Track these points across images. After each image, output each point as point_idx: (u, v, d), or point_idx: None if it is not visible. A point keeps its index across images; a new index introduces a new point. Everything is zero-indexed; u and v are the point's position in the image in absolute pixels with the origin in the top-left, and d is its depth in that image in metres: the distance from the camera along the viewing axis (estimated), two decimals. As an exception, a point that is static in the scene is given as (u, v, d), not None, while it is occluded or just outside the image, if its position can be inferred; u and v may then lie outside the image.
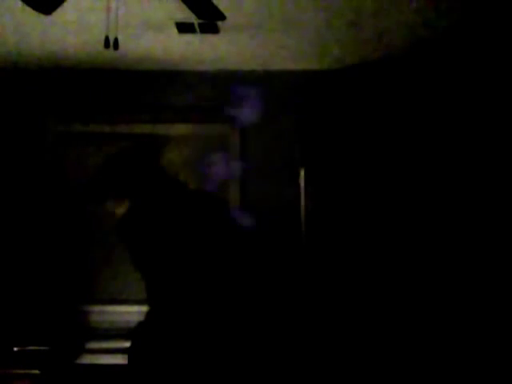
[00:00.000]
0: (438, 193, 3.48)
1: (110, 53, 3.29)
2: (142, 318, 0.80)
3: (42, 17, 2.79)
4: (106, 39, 2.31)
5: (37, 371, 3.01)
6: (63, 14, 2.82)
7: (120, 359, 3.02)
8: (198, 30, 3.10)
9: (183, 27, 3.07)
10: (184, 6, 2.45)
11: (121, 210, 0.98)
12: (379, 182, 3.45)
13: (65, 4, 2.37)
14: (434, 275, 3.34)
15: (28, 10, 2.47)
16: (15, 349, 3.20)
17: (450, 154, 3.52)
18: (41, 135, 3.73)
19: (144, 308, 0.82)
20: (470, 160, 3.50)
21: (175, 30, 3.12)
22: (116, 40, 2.36)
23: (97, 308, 3.60)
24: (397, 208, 3.43)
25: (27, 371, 3.00)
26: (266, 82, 3.73)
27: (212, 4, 2.31)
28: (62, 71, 3.76)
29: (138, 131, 3.75)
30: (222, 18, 2.43)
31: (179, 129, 3.75)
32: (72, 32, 3.14)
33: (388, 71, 3.61)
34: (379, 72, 3.62)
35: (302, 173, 3.33)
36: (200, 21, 2.93)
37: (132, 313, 3.38)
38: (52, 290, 3.57)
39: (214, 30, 3.11)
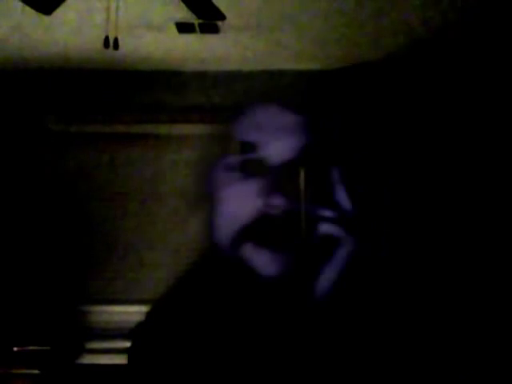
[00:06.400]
0: (439, 192, 3.48)
1: (110, 53, 3.28)
2: (141, 318, 0.80)
3: (42, 17, 2.79)
4: (106, 39, 2.32)
5: (37, 371, 3.01)
6: (63, 14, 2.82)
7: (120, 359, 3.01)
8: (197, 30, 3.10)
9: (183, 27, 3.07)
10: (184, 6, 2.45)
11: None
12: (379, 182, 3.45)
13: (65, 4, 2.38)
14: (435, 275, 3.34)
15: (28, 10, 2.47)
16: (15, 349, 3.19)
17: (450, 153, 3.52)
18: (41, 135, 3.73)
19: (144, 308, 0.82)
20: (470, 159, 3.50)
21: (175, 30, 3.12)
22: (116, 40, 2.36)
23: (97, 308, 3.60)
24: (397, 208, 3.43)
25: (27, 371, 3.00)
26: (266, 81, 3.73)
27: (212, 4, 2.31)
28: (61, 71, 3.76)
29: (137, 131, 3.75)
30: (222, 17, 2.43)
31: (179, 129, 3.75)
32: (72, 32, 3.14)
33: (388, 71, 3.61)
34: (379, 72, 3.62)
35: (302, 173, 3.32)
36: (200, 21, 2.93)
37: (132, 313, 3.38)
38: (52, 290, 3.57)
39: (214, 30, 3.11)
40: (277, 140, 0.80)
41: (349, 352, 0.74)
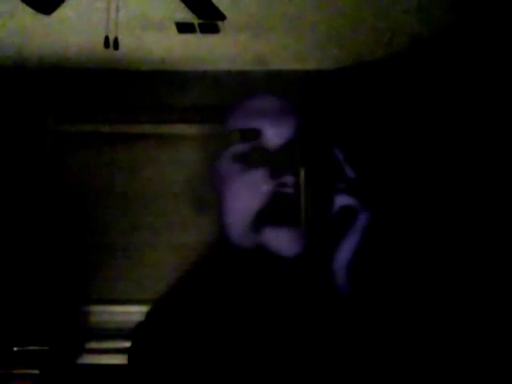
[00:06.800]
0: (440, 192, 3.48)
1: (110, 53, 3.29)
2: (141, 318, 0.80)
3: (42, 17, 2.79)
4: (106, 39, 2.32)
5: (37, 371, 3.01)
6: (63, 14, 2.81)
7: (120, 359, 3.02)
8: (197, 29, 3.10)
9: (183, 27, 3.07)
10: (184, 6, 2.45)
11: None
12: (379, 181, 3.45)
13: (65, 4, 2.37)
14: (437, 275, 3.34)
15: (28, 10, 2.47)
16: (15, 349, 3.20)
17: (451, 154, 3.52)
18: (40, 135, 3.73)
19: (144, 308, 0.82)
20: (470, 160, 3.50)
21: (175, 30, 3.12)
22: (116, 40, 2.36)
23: (97, 308, 3.60)
24: (397, 209, 3.42)
25: (27, 371, 3.00)
26: (266, 82, 3.73)
27: (212, 4, 2.31)
28: (62, 71, 3.76)
29: (138, 131, 3.75)
30: (222, 17, 2.43)
31: (179, 129, 3.75)
32: (72, 32, 3.14)
33: (388, 71, 3.61)
34: (379, 72, 3.61)
35: (302, 173, 3.32)
36: (200, 21, 2.93)
37: (132, 313, 3.38)
38: (52, 290, 3.57)
39: (214, 30, 3.11)
40: (279, 124, 0.81)
41: (373, 326, 0.74)
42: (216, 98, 3.74)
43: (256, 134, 0.80)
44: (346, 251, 0.75)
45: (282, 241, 0.78)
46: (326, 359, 0.72)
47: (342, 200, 0.76)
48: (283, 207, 0.78)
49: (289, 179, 0.77)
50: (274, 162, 0.79)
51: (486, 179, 3.46)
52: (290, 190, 0.77)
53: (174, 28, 3.08)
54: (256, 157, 0.80)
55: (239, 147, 0.81)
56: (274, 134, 0.80)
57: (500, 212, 3.42)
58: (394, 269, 0.85)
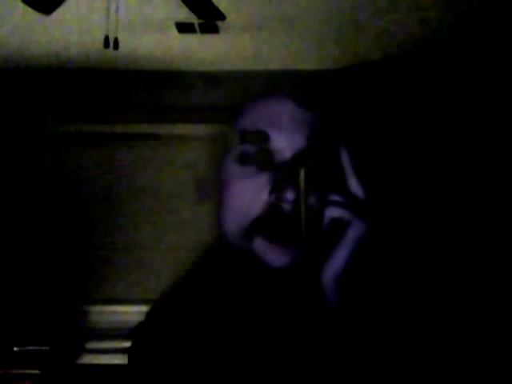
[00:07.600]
0: (439, 194, 3.47)
1: (110, 53, 3.29)
2: (142, 318, 0.80)
3: (42, 17, 2.79)
4: (106, 39, 2.32)
5: (37, 371, 3.01)
6: (63, 14, 2.82)
7: (120, 359, 3.02)
8: (198, 29, 3.10)
9: (183, 27, 3.07)
10: (184, 6, 2.45)
11: None
12: (379, 181, 3.45)
13: (65, 4, 2.38)
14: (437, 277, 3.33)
15: (28, 10, 2.47)
16: (15, 349, 3.20)
17: (450, 155, 3.52)
18: (41, 136, 3.73)
19: (144, 308, 0.82)
20: (470, 161, 3.50)
21: (175, 30, 3.12)
22: (116, 40, 2.37)
23: (97, 308, 3.60)
24: (398, 209, 3.42)
25: (27, 371, 3.00)
26: (266, 81, 3.73)
27: (212, 4, 2.31)
28: (62, 71, 3.76)
29: (137, 131, 3.75)
30: (222, 17, 2.44)
31: (179, 129, 3.75)
32: (72, 32, 3.14)
33: (388, 71, 3.61)
34: (379, 72, 3.61)
35: (302, 173, 3.32)
36: (200, 21, 2.93)
37: (132, 313, 3.39)
38: (52, 290, 3.57)
39: (214, 30, 3.11)
40: (289, 132, 0.79)
41: (362, 341, 0.73)
42: (216, 97, 3.74)
43: (263, 137, 0.78)
44: (335, 263, 0.73)
45: (270, 253, 0.77)
46: (311, 371, 0.71)
47: (335, 211, 0.74)
48: (278, 220, 0.76)
49: (289, 193, 0.75)
50: (277, 170, 0.77)
51: (499, 191, 3.44)
52: (288, 205, 0.75)
53: (173, 28, 3.08)
54: (260, 162, 0.78)
55: (244, 148, 0.79)
56: (282, 141, 0.78)
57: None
58: (389, 283, 0.84)
